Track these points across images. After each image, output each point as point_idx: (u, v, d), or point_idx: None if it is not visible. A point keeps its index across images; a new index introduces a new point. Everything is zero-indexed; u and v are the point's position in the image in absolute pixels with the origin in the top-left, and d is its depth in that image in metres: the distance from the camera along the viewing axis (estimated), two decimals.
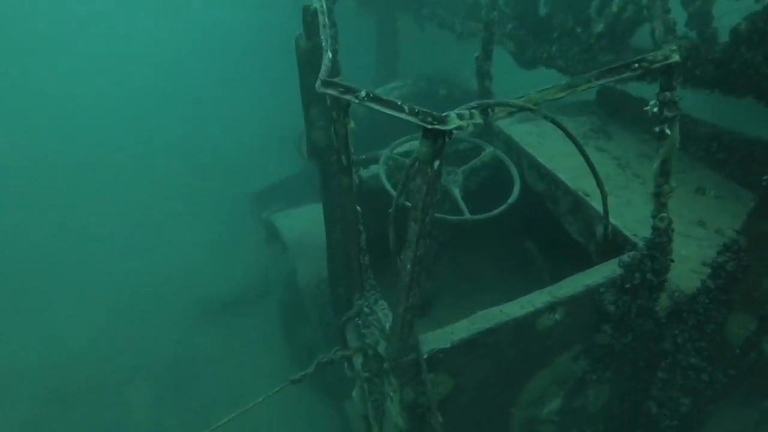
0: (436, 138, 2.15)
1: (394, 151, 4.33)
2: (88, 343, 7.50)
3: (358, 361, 3.07)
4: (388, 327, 2.74)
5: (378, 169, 4.12)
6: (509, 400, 3.10)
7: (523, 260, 5.30)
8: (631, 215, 3.61)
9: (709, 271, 2.98)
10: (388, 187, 3.93)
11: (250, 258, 8.60)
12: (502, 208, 3.83)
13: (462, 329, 2.75)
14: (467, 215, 3.78)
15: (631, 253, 3.08)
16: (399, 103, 2.23)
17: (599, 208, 3.61)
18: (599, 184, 2.98)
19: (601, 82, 2.60)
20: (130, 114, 12.42)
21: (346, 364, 3.21)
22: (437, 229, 4.44)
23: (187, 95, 12.64)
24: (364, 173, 4.54)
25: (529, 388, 3.12)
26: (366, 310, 2.88)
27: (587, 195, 3.70)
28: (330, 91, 2.45)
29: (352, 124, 2.61)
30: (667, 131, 2.71)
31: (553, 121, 2.78)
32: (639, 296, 3.05)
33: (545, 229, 4.30)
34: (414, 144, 4.65)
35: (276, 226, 6.15)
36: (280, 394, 6.39)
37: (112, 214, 9.64)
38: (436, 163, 2.22)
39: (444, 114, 2.17)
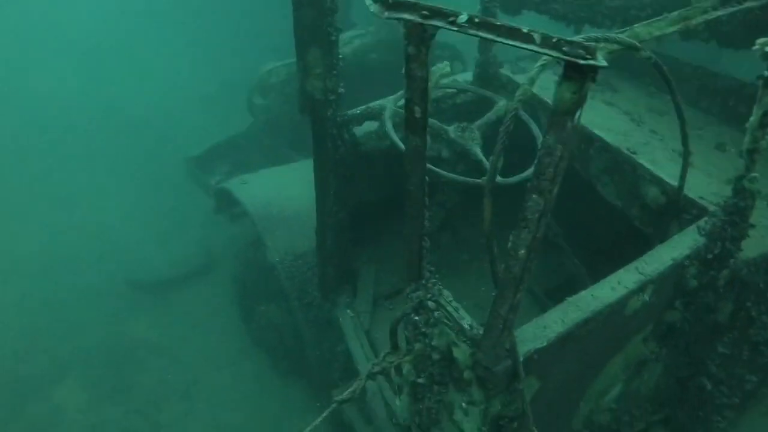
0: (584, 77, 1.54)
1: (400, 104, 3.65)
2: None
3: (408, 365, 2.46)
4: (467, 326, 2.14)
5: (383, 127, 3.44)
6: (581, 394, 2.64)
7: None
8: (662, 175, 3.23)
9: None
10: (402, 146, 3.27)
11: (191, 230, 7.61)
12: (530, 171, 3.30)
13: (555, 323, 2.21)
14: (499, 178, 3.21)
15: (709, 218, 2.66)
16: (525, 30, 1.58)
17: (650, 166, 3.19)
18: (684, 139, 2.50)
19: (723, 11, 2.08)
20: (47, 73, 10.66)
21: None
22: (446, 195, 3.85)
23: (102, 46, 11.03)
24: (358, 132, 3.83)
25: (600, 378, 2.67)
26: (429, 304, 2.25)
27: (634, 152, 3.24)
28: (405, 16, 1.74)
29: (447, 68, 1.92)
30: None
31: (656, 64, 2.25)
32: (716, 267, 2.65)
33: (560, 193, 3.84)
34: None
35: (233, 194, 5.28)
36: (258, 386, 5.76)
37: (24, 189, 8.20)
38: (578, 114, 1.61)
39: (588, 43, 1.55)
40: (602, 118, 3.73)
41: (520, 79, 4.04)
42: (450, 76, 2.45)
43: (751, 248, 2.77)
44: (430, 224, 4.09)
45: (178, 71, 10.41)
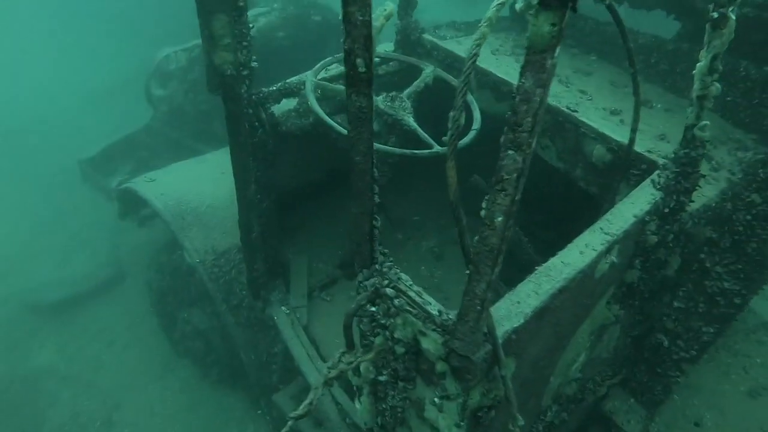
0: (565, 5, 1.29)
1: (320, 77, 3.30)
2: None
3: (367, 363, 2.14)
4: (435, 312, 1.85)
5: (306, 101, 3.08)
6: (552, 368, 2.44)
7: (466, 199, 4.63)
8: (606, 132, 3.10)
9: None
10: (329, 121, 2.93)
11: (92, 240, 6.84)
12: (471, 135, 3.08)
13: (529, 296, 1.97)
14: (436, 147, 2.95)
15: (662, 171, 2.53)
16: None
17: (592, 123, 3.04)
18: (636, 89, 2.34)
19: None
20: None
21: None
22: (378, 172, 3.53)
23: None
24: (276, 111, 3.42)
25: (569, 348, 2.48)
26: (388, 291, 1.94)
27: (575, 110, 3.08)
28: None
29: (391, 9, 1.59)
30: (731, 15, 2.12)
31: (610, 6, 2.05)
32: (671, 221, 2.53)
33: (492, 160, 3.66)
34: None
35: (139, 194, 4.68)
36: (189, 400, 5.21)
37: None
38: (557, 51, 1.36)
39: None
40: (506, 76, 3.55)
41: (447, 44, 3.79)
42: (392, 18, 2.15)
43: (693, 200, 2.68)
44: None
45: (66, 68, 9.35)
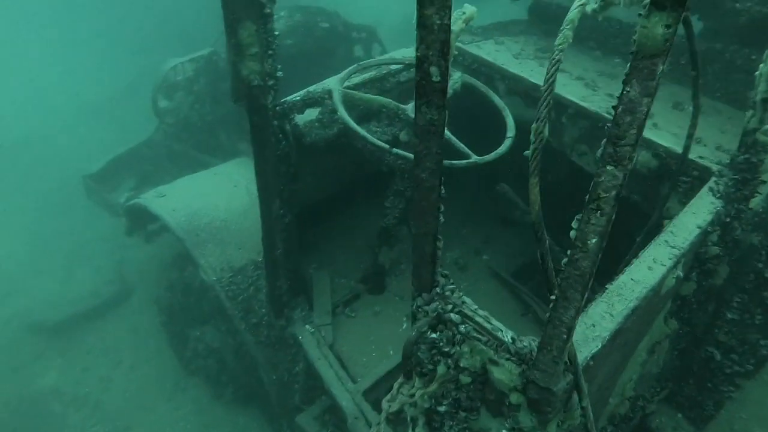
0: (681, 5, 1.15)
1: (346, 85, 3.15)
2: None
3: (422, 391, 1.97)
4: (508, 339, 1.69)
5: (336, 112, 2.93)
6: (612, 388, 2.29)
7: (489, 208, 4.52)
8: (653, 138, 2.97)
9: None
10: (364, 133, 2.77)
11: (97, 256, 6.62)
12: (506, 143, 2.93)
13: (604, 318, 1.81)
14: (474, 157, 2.81)
15: (719, 178, 2.39)
16: None
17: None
18: (696, 95, 2.20)
19: None
20: None
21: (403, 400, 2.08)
22: (406, 182, 3.39)
23: None
24: (300, 120, 3.26)
25: (628, 367, 2.34)
26: (453, 317, 1.78)
27: None
28: None
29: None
30: None
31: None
32: (731, 230, 2.39)
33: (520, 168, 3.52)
34: (367, 73, 3.47)
35: (150, 210, 4.50)
36: (202, 421, 5.00)
37: None
38: (668, 57, 1.22)
39: None
40: (557, 85, 3.42)
41: (472, 49, 3.65)
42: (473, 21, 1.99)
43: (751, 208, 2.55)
44: (390, 217, 3.67)
45: (64, 79, 9.13)
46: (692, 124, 2.34)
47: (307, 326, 3.69)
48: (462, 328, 1.79)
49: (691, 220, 2.25)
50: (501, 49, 3.97)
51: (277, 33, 2.74)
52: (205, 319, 4.79)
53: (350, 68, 3.24)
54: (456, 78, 3.32)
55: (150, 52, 7.39)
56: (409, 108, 3.08)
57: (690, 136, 2.39)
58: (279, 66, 2.84)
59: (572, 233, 1.44)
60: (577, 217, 1.41)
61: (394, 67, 3.61)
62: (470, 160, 2.79)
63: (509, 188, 3.66)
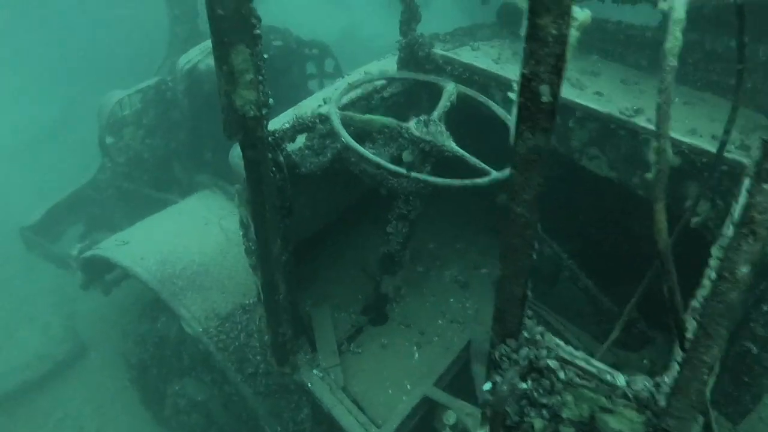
0: None
1: (340, 105, 2.88)
2: None
3: None
4: (622, 383, 1.49)
5: (341, 138, 2.66)
6: None
7: (480, 219, 4.33)
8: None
9: None
10: (375, 158, 2.52)
11: (40, 312, 5.95)
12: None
13: None
14: (494, 173, 2.61)
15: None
16: None
17: (652, 128, 2.78)
18: (737, 90, 2.09)
19: None
20: None
21: None
22: (410, 205, 3.16)
23: None
24: (290, 147, 2.96)
25: None
26: (550, 363, 1.56)
27: (631, 116, 2.83)
28: None
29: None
30: None
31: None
32: None
33: None
34: (364, 88, 3.20)
35: (114, 262, 4.02)
36: None
37: None
38: None
39: None
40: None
41: (462, 56, 3.46)
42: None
43: None
44: (393, 243, 3.41)
45: None
46: (730, 119, 2.24)
47: (315, 371, 3.36)
48: (562, 374, 1.56)
49: None
50: (479, 54, 3.81)
51: (266, 56, 2.44)
52: (184, 371, 4.35)
53: (341, 89, 2.96)
54: (451, 89, 3.12)
55: (74, 84, 6.76)
56: (412, 126, 2.84)
57: (727, 132, 2.28)
58: (269, 92, 2.54)
59: (713, 261, 1.25)
60: (720, 243, 1.23)
61: (378, 83, 3.37)
62: (492, 177, 2.59)
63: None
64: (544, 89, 1.19)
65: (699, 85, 3.58)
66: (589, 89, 3.53)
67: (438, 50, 3.48)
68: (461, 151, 2.74)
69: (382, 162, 2.54)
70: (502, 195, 3.58)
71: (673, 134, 2.72)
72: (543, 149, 1.27)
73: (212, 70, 5.03)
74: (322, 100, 3.36)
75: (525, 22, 1.16)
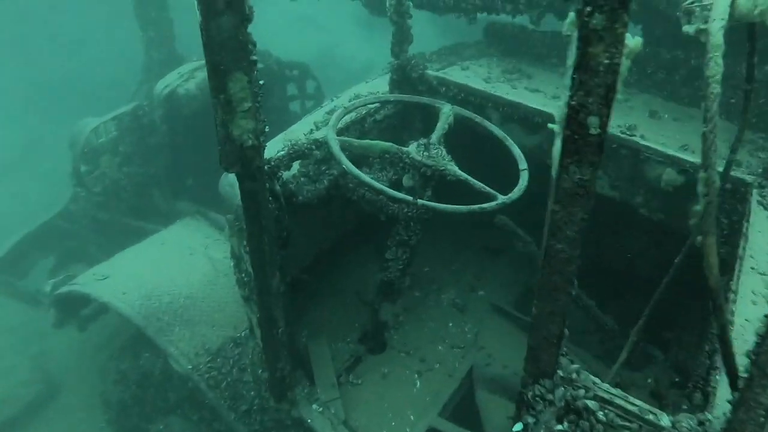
0: None
1: (337, 129, 2.80)
2: None
3: None
4: (666, 423, 1.42)
5: (343, 165, 2.58)
6: None
7: (473, 240, 4.26)
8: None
9: None
10: (379, 186, 2.45)
11: (5, 353, 5.62)
12: (524, 177, 2.70)
13: None
14: (501, 197, 2.55)
15: (761, 189, 2.30)
16: None
17: (659, 147, 2.78)
18: (745, 109, 2.07)
19: None
20: None
21: None
22: (411, 231, 3.07)
23: None
24: (286, 175, 2.86)
25: None
26: (589, 404, 1.48)
27: (632, 134, 2.81)
28: None
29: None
30: None
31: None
32: None
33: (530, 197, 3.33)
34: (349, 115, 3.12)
35: (94, 298, 3.82)
36: None
37: None
38: None
39: None
40: (541, 106, 3.27)
41: (454, 76, 3.41)
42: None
43: None
44: (393, 269, 3.31)
45: None
46: (738, 139, 2.22)
47: (314, 405, 3.22)
48: (601, 415, 1.48)
49: (763, 239, 2.12)
50: (470, 74, 3.78)
51: (261, 82, 2.34)
52: (168, 409, 4.14)
53: (337, 113, 2.87)
54: (447, 111, 3.06)
55: (41, 112, 6.51)
56: (413, 150, 2.77)
57: (734, 151, 2.27)
58: (265, 119, 2.43)
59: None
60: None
61: (371, 105, 3.29)
62: (499, 201, 2.52)
63: (508, 219, 3.44)
64: (593, 121, 1.13)
65: (686, 101, 3.62)
66: None
67: (431, 71, 3.43)
68: (464, 175, 2.67)
69: (387, 190, 2.45)
70: (501, 216, 3.53)
71: (675, 152, 2.71)
72: (589, 183, 1.20)
73: (191, 94, 4.92)
74: (313, 125, 3.27)
75: (573, 51, 1.09)
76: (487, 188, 2.61)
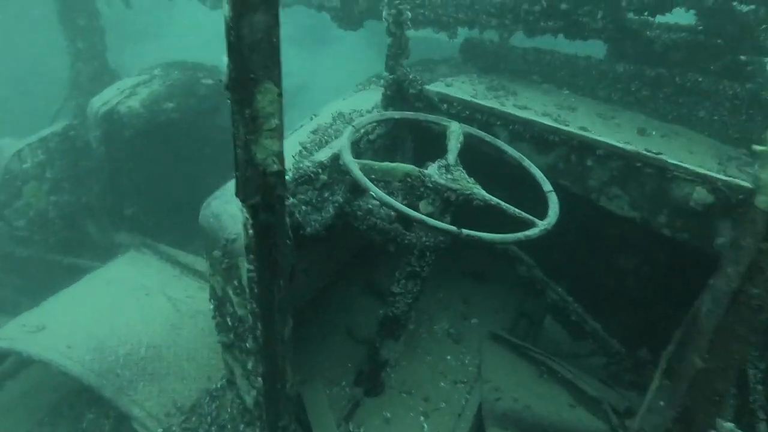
0: None
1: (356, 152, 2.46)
2: None
3: None
4: None
5: (371, 192, 2.24)
6: None
7: (454, 264, 3.97)
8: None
9: None
10: (419, 216, 2.15)
11: None
12: (554, 199, 2.50)
13: None
14: (540, 223, 2.32)
15: None
16: None
17: (687, 165, 2.66)
18: None
19: None
20: None
21: None
22: (424, 261, 2.77)
23: None
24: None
25: None
26: None
27: (658, 153, 2.68)
28: None
29: None
30: None
31: None
32: None
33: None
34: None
35: (24, 354, 3.15)
36: None
37: None
38: None
39: None
40: (554, 123, 3.12)
41: (457, 92, 3.15)
42: None
43: None
44: (401, 304, 2.97)
45: None
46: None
47: None
48: None
49: None
50: (456, 90, 3.56)
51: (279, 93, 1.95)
52: None
53: (347, 134, 2.51)
54: (456, 130, 2.79)
55: None
56: (434, 173, 2.47)
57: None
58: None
59: None
60: None
61: (370, 124, 2.95)
62: (541, 228, 2.27)
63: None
64: None
65: (670, 118, 3.61)
66: (574, 124, 3.40)
67: (435, 87, 3.16)
68: (495, 199, 2.41)
69: (429, 220, 2.13)
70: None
71: (707, 171, 2.61)
72: None
73: (135, 112, 4.31)
74: (300, 146, 2.88)
75: None
76: (523, 213, 2.37)
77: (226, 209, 2.59)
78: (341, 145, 2.41)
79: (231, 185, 2.78)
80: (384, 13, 2.90)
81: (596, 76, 3.76)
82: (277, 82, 1.74)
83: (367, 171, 2.33)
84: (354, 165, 2.28)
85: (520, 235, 2.20)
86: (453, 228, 2.14)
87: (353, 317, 3.48)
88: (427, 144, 3.12)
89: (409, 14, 2.92)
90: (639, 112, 3.70)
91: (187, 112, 4.60)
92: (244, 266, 2.55)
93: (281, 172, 1.87)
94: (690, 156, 3.23)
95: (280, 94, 1.74)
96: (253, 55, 1.63)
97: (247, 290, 2.32)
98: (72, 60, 4.67)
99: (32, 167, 4.10)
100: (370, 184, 2.19)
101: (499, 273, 4.05)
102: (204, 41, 10.70)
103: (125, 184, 4.49)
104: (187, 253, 4.26)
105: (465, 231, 2.14)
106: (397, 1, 2.87)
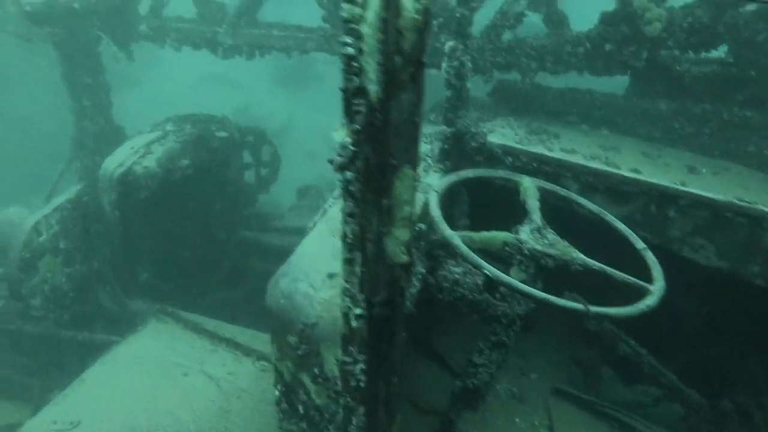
0: None
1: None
2: None
3: None
4: None
5: (484, 270, 2.02)
6: None
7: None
8: None
9: None
10: (541, 295, 1.93)
11: None
12: (656, 261, 2.32)
13: None
14: (654, 289, 2.14)
15: None
16: None
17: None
18: None
19: None
20: None
21: None
22: (510, 330, 2.54)
23: None
24: None
25: None
26: None
27: (750, 202, 2.54)
28: None
29: None
30: None
31: None
32: None
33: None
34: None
35: None
36: None
37: None
38: None
39: None
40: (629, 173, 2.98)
41: (509, 141, 2.97)
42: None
43: None
44: (483, 374, 2.72)
45: None
46: None
47: None
48: None
49: None
50: (499, 137, 3.39)
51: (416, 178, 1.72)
52: None
53: (434, 202, 2.28)
54: (530, 186, 2.60)
55: None
56: (529, 238, 2.26)
57: None
58: None
59: None
60: None
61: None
62: (658, 293, 2.08)
63: (580, 297, 3.03)
64: None
65: (717, 153, 3.52)
66: (625, 166, 3.26)
67: (496, 139, 2.97)
68: (598, 264, 2.21)
69: (552, 298, 1.92)
70: (573, 294, 3.11)
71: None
72: None
73: (152, 173, 3.97)
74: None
75: None
76: (632, 278, 2.17)
77: (298, 288, 2.33)
78: (434, 216, 2.18)
79: (298, 259, 2.52)
80: (444, 65, 2.71)
81: (638, 115, 3.66)
82: (414, 165, 1.51)
83: (467, 242, 2.11)
84: (457, 240, 2.05)
85: (642, 306, 2.01)
86: (579, 306, 1.93)
87: (414, 385, 3.21)
88: (482, 199, 2.93)
89: (470, 65, 2.74)
90: (683, 150, 3.60)
91: (200, 167, 4.29)
92: (329, 355, 2.30)
93: (409, 264, 1.63)
94: (744, 192, 3.13)
95: (416, 179, 1.51)
96: (397, 140, 1.40)
97: (340, 383, 2.04)
98: (76, 118, 4.32)
99: (47, 240, 3.71)
100: (486, 265, 1.96)
101: (542, 320, 3.85)
102: (187, 86, 10.43)
103: (139, 247, 4.13)
104: (210, 318, 3.93)
105: (593, 308, 1.93)
106: (459, 53, 2.69)
